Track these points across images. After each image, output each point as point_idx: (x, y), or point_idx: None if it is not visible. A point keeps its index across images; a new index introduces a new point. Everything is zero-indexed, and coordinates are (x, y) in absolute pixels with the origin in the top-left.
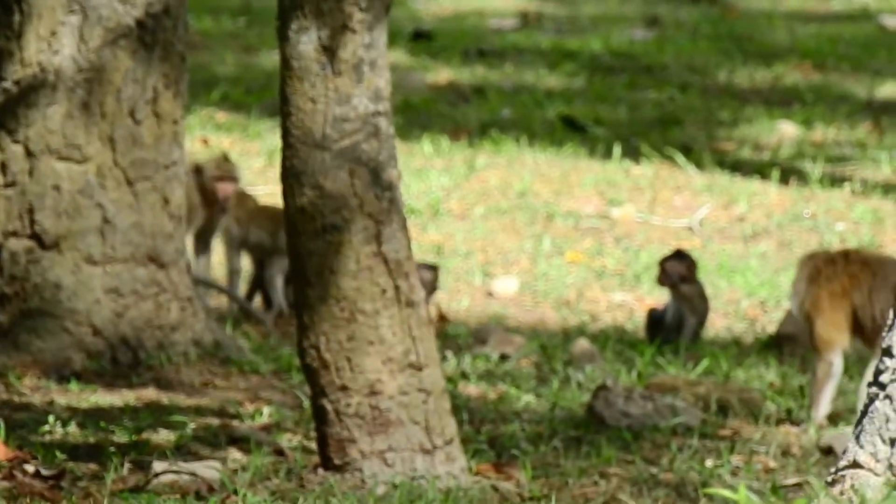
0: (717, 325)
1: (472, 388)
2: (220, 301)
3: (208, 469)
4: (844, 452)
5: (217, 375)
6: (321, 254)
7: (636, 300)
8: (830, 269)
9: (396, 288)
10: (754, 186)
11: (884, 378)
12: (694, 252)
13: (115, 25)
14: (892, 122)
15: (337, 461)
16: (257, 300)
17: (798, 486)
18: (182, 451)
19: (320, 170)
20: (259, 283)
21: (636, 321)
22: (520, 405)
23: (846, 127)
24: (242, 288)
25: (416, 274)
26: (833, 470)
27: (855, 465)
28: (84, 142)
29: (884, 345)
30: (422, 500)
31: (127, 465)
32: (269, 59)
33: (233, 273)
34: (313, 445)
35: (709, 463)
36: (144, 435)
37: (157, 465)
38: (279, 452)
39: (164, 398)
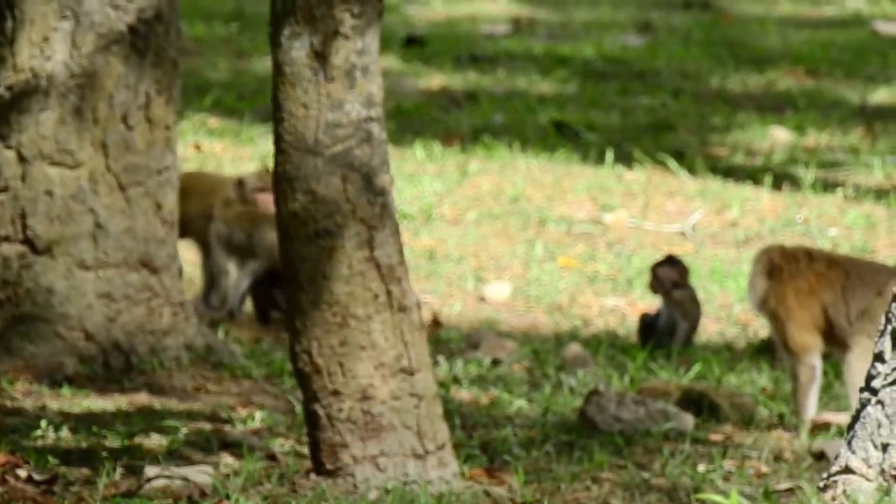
0: (710, 330)
1: (464, 393)
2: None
3: (200, 474)
4: (836, 458)
5: (209, 380)
6: (313, 259)
7: (628, 305)
8: (793, 266)
9: (388, 293)
10: (747, 192)
11: (875, 383)
12: (686, 257)
13: (107, 31)
14: (885, 128)
15: (329, 466)
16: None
17: (790, 491)
18: (174, 455)
19: (313, 175)
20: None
21: (628, 326)
22: (512, 410)
23: (839, 132)
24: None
25: (409, 279)
26: (825, 475)
27: (847, 470)
28: (76, 147)
29: (875, 350)
30: None
31: (119, 470)
32: (262, 64)
33: (220, 273)
34: (305, 450)
35: (701, 468)
36: (136, 440)
37: (150, 470)
38: (271, 457)
39: (157, 403)
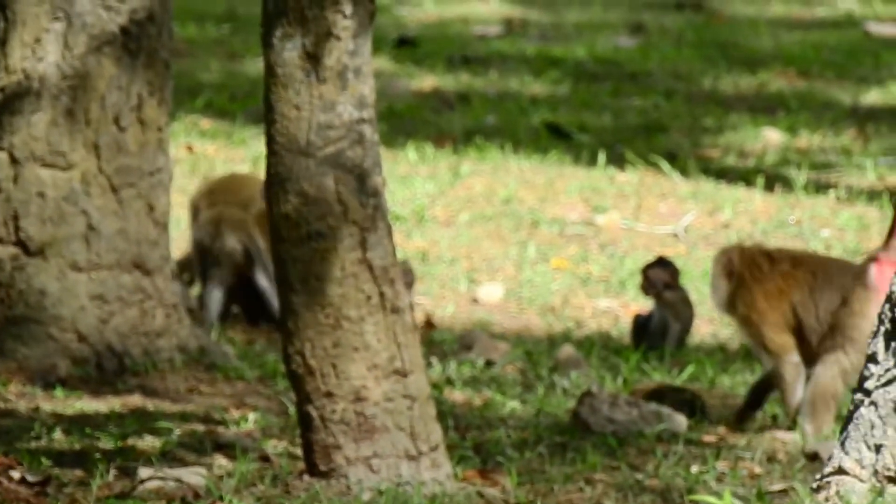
0: (703, 331)
1: (457, 395)
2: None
3: (194, 475)
4: (830, 459)
5: (202, 382)
6: (306, 261)
7: (621, 307)
8: (756, 268)
9: (381, 294)
10: (739, 193)
11: (869, 384)
12: (679, 259)
13: (99, 32)
14: (877, 129)
15: (322, 467)
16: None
17: (783, 492)
18: (167, 457)
19: (305, 177)
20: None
21: (621, 327)
22: (505, 411)
23: (831, 134)
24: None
25: (402, 281)
26: (818, 476)
27: (840, 471)
28: (69, 149)
29: (868, 351)
30: None
31: (112, 472)
32: (254, 66)
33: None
34: (299, 451)
35: (694, 469)
36: (130, 441)
37: (143, 472)
38: (265, 458)
39: (150, 404)
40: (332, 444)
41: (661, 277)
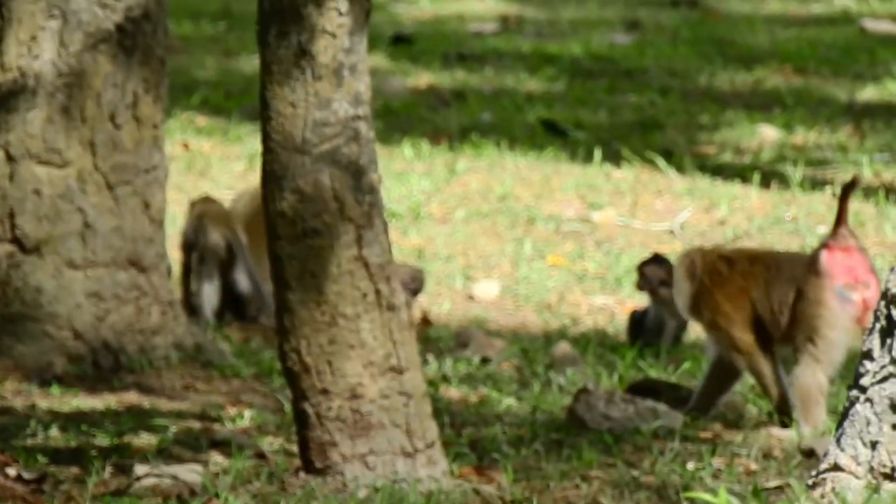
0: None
1: (453, 392)
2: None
3: (190, 472)
4: (825, 455)
5: (198, 379)
6: (302, 258)
7: (617, 304)
8: (716, 274)
9: (377, 292)
10: (735, 190)
11: (864, 381)
12: (675, 256)
13: (95, 30)
14: (873, 126)
15: (318, 465)
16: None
17: (779, 488)
18: (163, 454)
19: (300, 174)
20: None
21: (617, 324)
22: (501, 408)
23: (827, 130)
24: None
25: (397, 278)
26: (814, 473)
27: (836, 467)
28: (64, 146)
29: (864, 348)
30: (403, 503)
31: (108, 469)
32: (249, 63)
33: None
34: (295, 449)
35: (690, 466)
36: (126, 438)
37: (139, 469)
38: (260, 456)
39: (146, 402)
40: (328, 441)
41: (657, 274)
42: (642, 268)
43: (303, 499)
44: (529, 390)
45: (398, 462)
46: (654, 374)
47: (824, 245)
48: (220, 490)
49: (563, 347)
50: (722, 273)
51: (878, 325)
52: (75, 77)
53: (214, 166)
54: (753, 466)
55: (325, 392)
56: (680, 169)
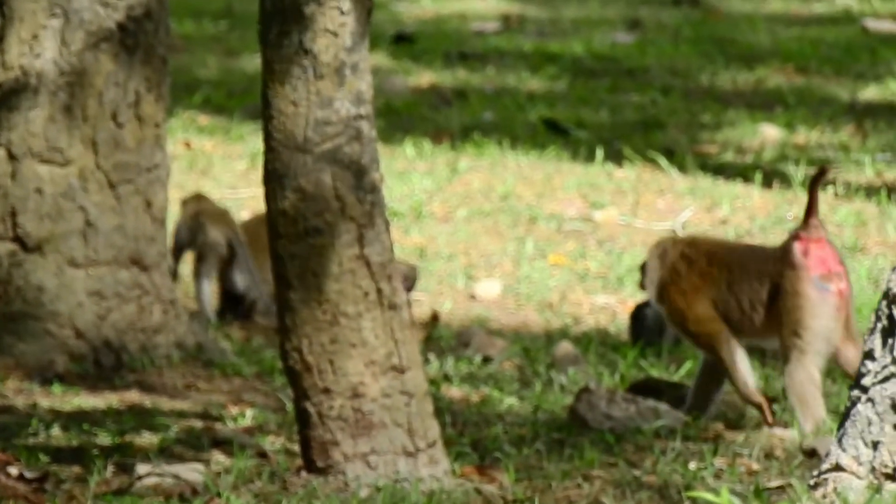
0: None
1: (454, 391)
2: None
3: (191, 472)
4: (827, 455)
5: (200, 378)
6: (303, 257)
7: (619, 303)
8: (675, 274)
9: (379, 291)
10: (737, 189)
11: (866, 381)
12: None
13: (96, 29)
14: (875, 125)
15: (320, 464)
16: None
17: (781, 488)
18: (165, 453)
19: (302, 173)
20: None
21: (619, 324)
22: (502, 408)
23: (829, 130)
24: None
25: (399, 277)
26: (816, 473)
27: (838, 467)
28: (66, 145)
29: (865, 348)
30: (405, 502)
31: (110, 468)
32: (251, 62)
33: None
34: (296, 448)
35: (692, 465)
36: (127, 437)
37: (141, 468)
38: (262, 455)
39: (147, 401)
40: (330, 441)
41: None
42: (644, 267)
43: (304, 498)
44: (531, 390)
45: (400, 461)
46: (655, 373)
47: (795, 237)
48: (221, 489)
49: (565, 347)
50: (680, 272)
51: (879, 325)
52: (77, 76)
53: (216, 165)
54: (755, 466)
55: (326, 391)
56: (682, 168)
